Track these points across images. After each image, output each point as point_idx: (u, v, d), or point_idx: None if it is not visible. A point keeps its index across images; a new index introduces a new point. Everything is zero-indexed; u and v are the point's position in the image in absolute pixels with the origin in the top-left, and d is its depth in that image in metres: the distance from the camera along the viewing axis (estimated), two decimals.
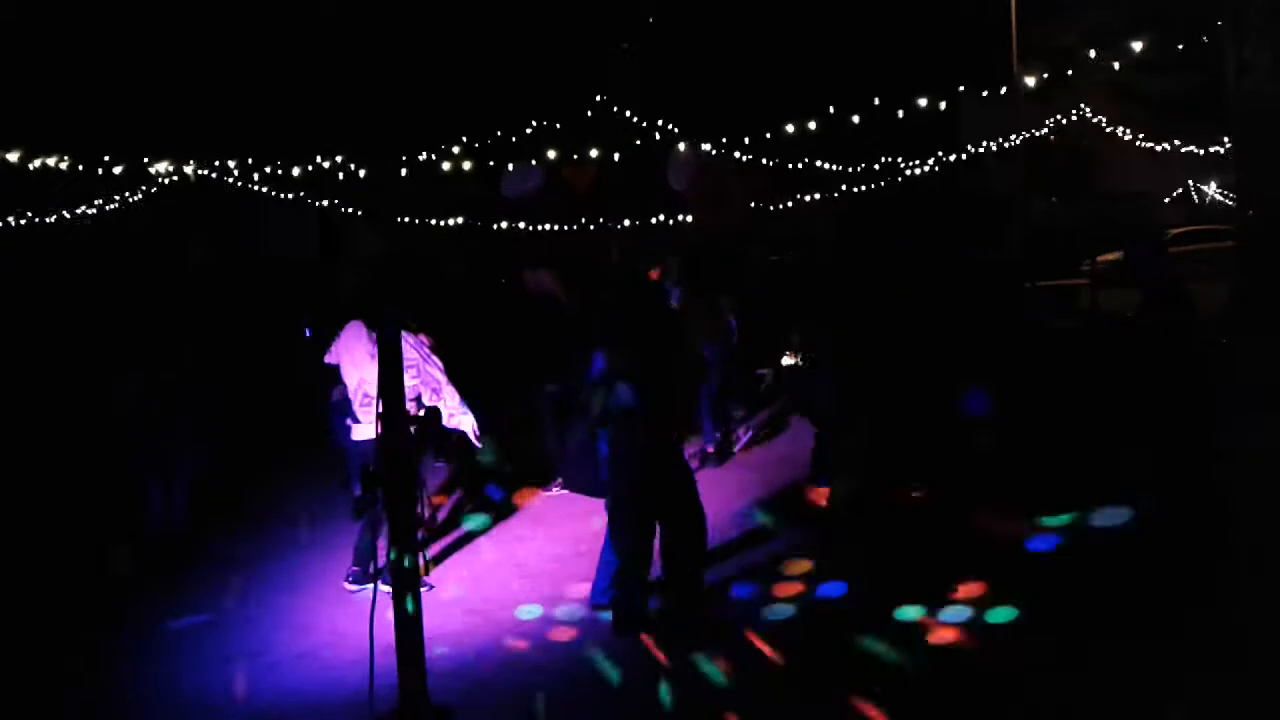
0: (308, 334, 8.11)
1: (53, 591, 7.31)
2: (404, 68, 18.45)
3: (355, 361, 6.94)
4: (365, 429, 6.78)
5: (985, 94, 17.04)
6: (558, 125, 17.63)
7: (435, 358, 7.16)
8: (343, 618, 6.53)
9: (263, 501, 9.48)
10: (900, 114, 15.83)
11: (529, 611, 6.45)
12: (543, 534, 8.12)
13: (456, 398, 7.13)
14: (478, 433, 7.26)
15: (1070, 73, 17.40)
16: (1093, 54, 16.73)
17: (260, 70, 16.65)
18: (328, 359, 7.16)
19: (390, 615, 3.74)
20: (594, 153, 16.30)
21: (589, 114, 18.38)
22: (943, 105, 15.83)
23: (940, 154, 20.19)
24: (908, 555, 6.88)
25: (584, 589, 6.58)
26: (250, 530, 8.60)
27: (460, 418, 7.16)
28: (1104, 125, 21.60)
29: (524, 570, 7.28)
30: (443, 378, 7.10)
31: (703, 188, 21.17)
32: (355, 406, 6.97)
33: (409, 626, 2.80)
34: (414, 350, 7.00)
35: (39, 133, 14.02)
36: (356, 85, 17.32)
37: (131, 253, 15.17)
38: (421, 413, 6.95)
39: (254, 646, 6.18)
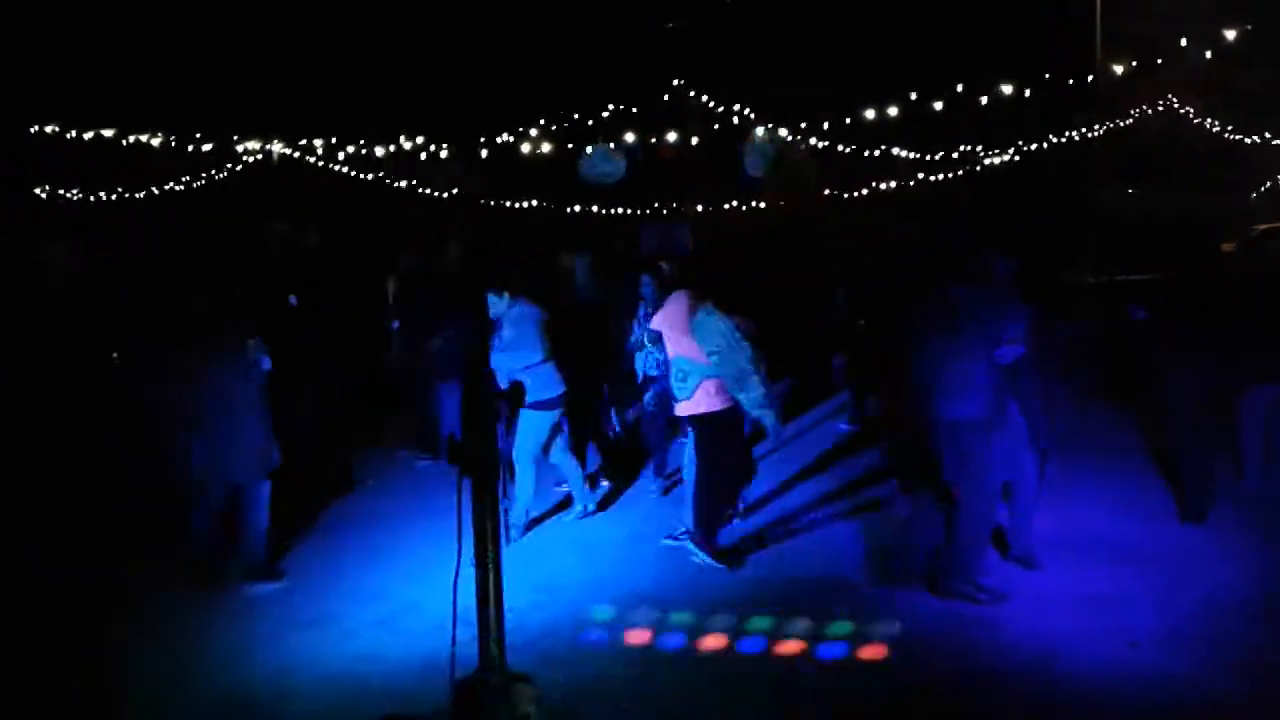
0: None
1: (146, 548, 7.55)
2: (484, 50, 18.64)
3: (673, 336, 6.95)
4: (689, 405, 6.90)
5: (1070, 82, 16.71)
6: (634, 109, 17.68)
7: (745, 344, 6.89)
8: (417, 587, 6.74)
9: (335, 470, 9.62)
10: (983, 101, 15.61)
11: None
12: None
13: (760, 390, 6.86)
14: (775, 429, 7.13)
15: (1159, 62, 16.99)
16: (1183, 43, 16.33)
17: (343, 50, 16.98)
18: (652, 326, 7.23)
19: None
20: (671, 137, 16.32)
21: (665, 98, 18.35)
22: (1026, 93, 15.59)
23: (1020, 144, 19.91)
24: None
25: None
26: (324, 498, 8.79)
27: (759, 411, 6.92)
28: (1191, 116, 21.10)
29: (590, 552, 7.43)
30: (749, 367, 6.84)
31: (779, 174, 21.10)
32: (672, 379, 7.04)
33: (488, 593, 2.94)
34: (722, 335, 6.81)
35: (133, 110, 14.47)
36: (436, 66, 17.56)
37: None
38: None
39: (330, 613, 6.41)
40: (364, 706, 5.15)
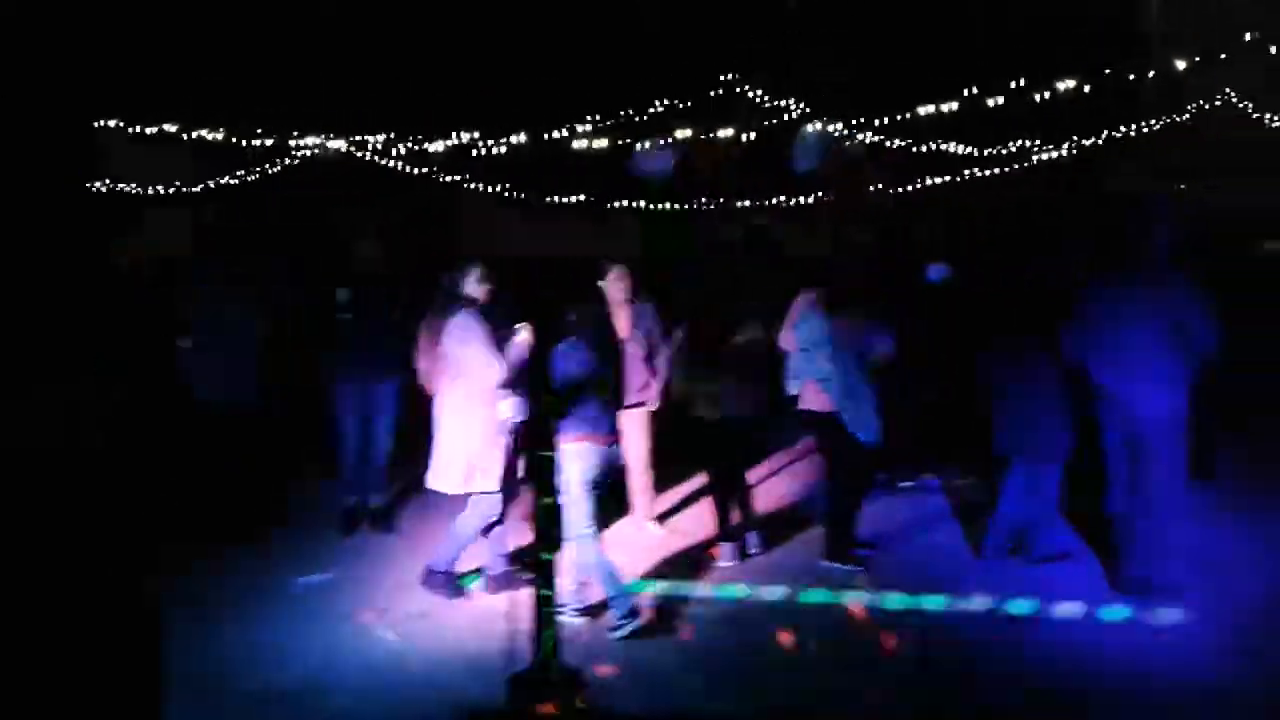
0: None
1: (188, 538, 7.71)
2: (535, 44, 18.72)
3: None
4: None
5: (1132, 77, 16.27)
6: (685, 104, 17.67)
7: None
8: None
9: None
10: (1041, 98, 15.36)
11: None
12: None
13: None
14: None
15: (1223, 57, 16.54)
16: (1247, 38, 15.94)
17: (396, 46, 17.17)
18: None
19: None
20: (724, 132, 16.25)
21: (716, 93, 18.31)
22: (1086, 89, 15.26)
23: (1075, 139, 19.59)
24: None
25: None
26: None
27: None
28: (1250, 111, 20.62)
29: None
30: None
31: (832, 170, 20.98)
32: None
33: (544, 588, 3.02)
34: None
35: (196, 108, 14.79)
36: (489, 62, 17.68)
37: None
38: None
39: (373, 604, 6.56)
40: (409, 698, 5.29)
